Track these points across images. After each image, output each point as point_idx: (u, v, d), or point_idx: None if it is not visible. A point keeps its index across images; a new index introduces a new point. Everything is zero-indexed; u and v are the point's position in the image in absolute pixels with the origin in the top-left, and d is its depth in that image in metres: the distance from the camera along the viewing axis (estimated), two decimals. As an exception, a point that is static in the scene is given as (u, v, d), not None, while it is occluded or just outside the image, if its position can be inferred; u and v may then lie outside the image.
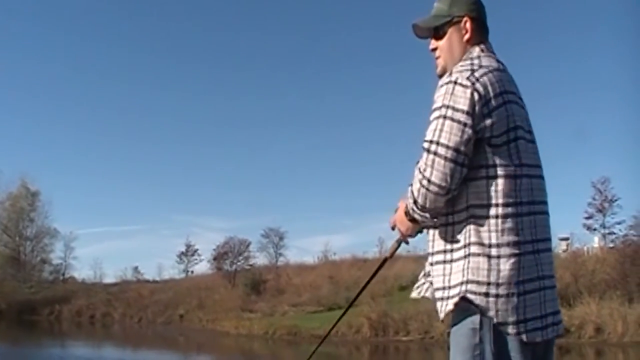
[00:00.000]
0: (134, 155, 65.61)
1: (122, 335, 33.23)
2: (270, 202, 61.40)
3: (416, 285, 2.31)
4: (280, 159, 61.42)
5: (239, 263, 37.46)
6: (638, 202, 42.89)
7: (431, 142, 2.02)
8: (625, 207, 26.21)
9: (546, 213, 2.13)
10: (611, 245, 24.79)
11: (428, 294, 2.23)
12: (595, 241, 27.63)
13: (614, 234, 25.68)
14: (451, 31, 2.24)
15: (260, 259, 39.24)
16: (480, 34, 2.23)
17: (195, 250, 44.43)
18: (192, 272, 44.53)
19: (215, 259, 38.84)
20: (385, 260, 2.50)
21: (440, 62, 2.26)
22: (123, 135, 65.96)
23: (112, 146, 66.26)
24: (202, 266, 43.92)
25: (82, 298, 41.50)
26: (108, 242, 66.19)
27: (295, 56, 63.11)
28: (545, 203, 2.13)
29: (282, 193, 61.15)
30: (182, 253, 44.59)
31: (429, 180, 2.00)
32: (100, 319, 39.06)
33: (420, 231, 2.25)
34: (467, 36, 2.21)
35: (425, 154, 2.03)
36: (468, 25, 2.21)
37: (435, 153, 2.00)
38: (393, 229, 2.29)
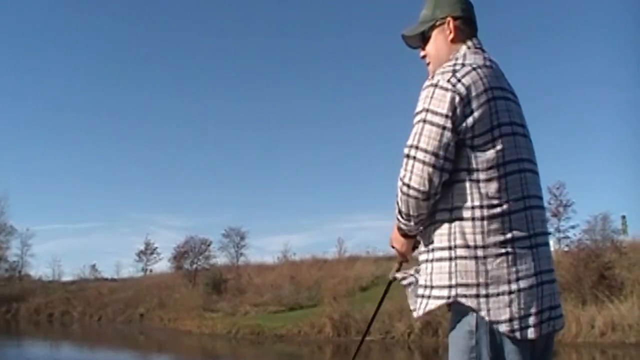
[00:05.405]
0: (90, 152, 64.34)
1: (82, 334, 32.68)
2: (228, 201, 61.23)
3: (406, 271, 2.31)
4: (238, 158, 60.84)
5: (199, 262, 37.28)
6: (591, 207, 44.21)
7: (411, 146, 2.02)
8: (579, 212, 26.92)
9: (542, 207, 2.15)
10: (566, 249, 25.35)
11: (405, 283, 2.25)
12: (551, 245, 28.22)
13: (569, 238, 26.32)
14: (435, 34, 2.25)
15: (220, 259, 39.11)
16: (467, 32, 2.24)
17: (155, 249, 44.09)
18: (151, 270, 44.15)
19: (175, 258, 38.56)
20: (390, 283, 2.47)
21: (431, 68, 2.25)
22: (79, 133, 64.23)
23: (67, 143, 64.49)
24: (161, 265, 43.60)
25: (40, 296, 40.72)
26: (64, 239, 64.55)
27: (267, 58, 62.86)
28: (540, 198, 2.14)
29: (240, 192, 60.61)
30: (141, 252, 44.18)
31: (408, 186, 2.00)
32: (59, 317, 38.38)
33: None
34: (451, 36, 2.22)
35: (404, 160, 2.02)
36: (452, 24, 2.22)
37: (414, 158, 2.00)
38: (393, 248, 2.30)
